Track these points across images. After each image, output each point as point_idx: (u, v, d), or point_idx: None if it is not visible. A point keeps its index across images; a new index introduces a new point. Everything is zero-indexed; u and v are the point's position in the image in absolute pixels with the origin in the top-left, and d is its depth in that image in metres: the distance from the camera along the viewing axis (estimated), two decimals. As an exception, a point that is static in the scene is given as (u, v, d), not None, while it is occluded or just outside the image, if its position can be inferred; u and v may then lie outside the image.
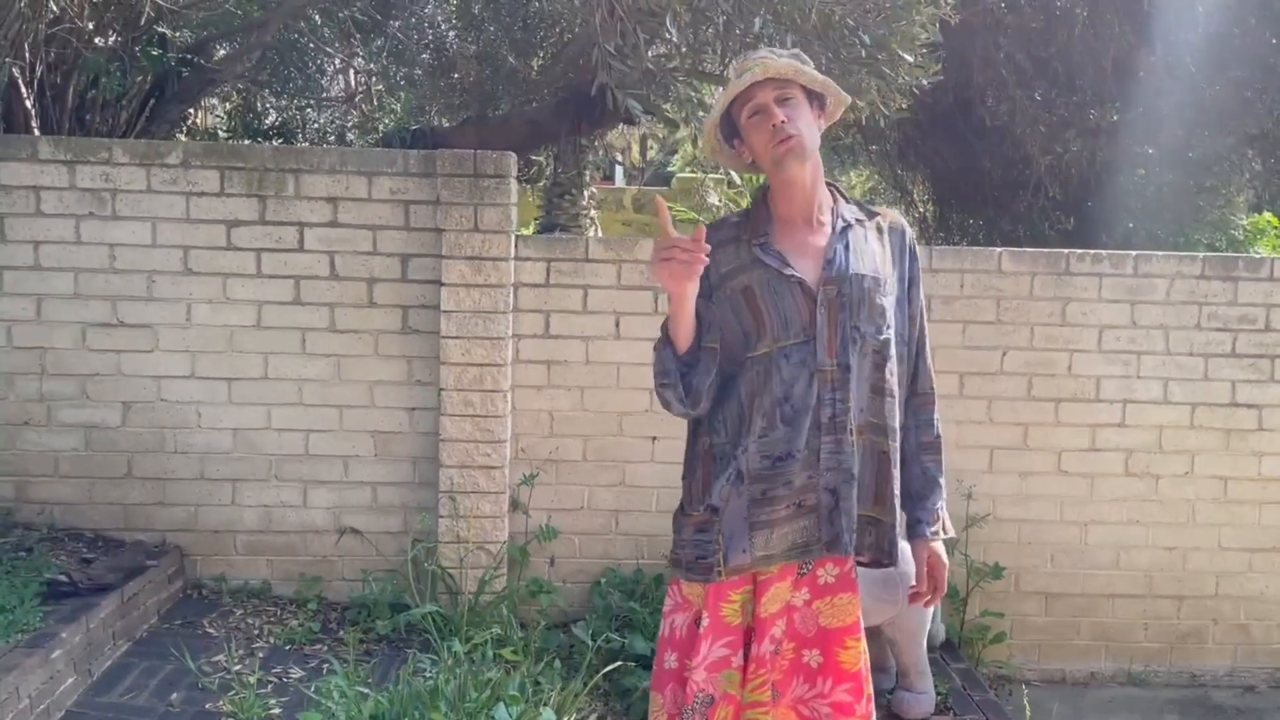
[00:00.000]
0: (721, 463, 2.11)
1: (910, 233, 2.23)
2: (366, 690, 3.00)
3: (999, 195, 7.33)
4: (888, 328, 2.13)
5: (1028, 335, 4.24)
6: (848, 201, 2.20)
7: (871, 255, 2.13)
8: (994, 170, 7.25)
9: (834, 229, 2.12)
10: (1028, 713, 3.49)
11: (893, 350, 2.14)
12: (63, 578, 3.54)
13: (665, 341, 2.07)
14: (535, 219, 10.25)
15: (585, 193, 9.93)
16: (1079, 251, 4.28)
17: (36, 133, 4.81)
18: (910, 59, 3.54)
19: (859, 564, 2.20)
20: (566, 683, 3.28)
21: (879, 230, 2.18)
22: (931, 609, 3.57)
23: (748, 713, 2.16)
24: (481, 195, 3.99)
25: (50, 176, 3.94)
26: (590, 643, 3.59)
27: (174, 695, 3.35)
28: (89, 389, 4.04)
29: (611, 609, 3.98)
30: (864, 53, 3.37)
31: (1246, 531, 4.32)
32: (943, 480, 2.26)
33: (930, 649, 3.74)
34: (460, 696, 2.88)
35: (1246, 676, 4.37)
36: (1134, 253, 4.31)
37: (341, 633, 3.90)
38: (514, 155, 4.09)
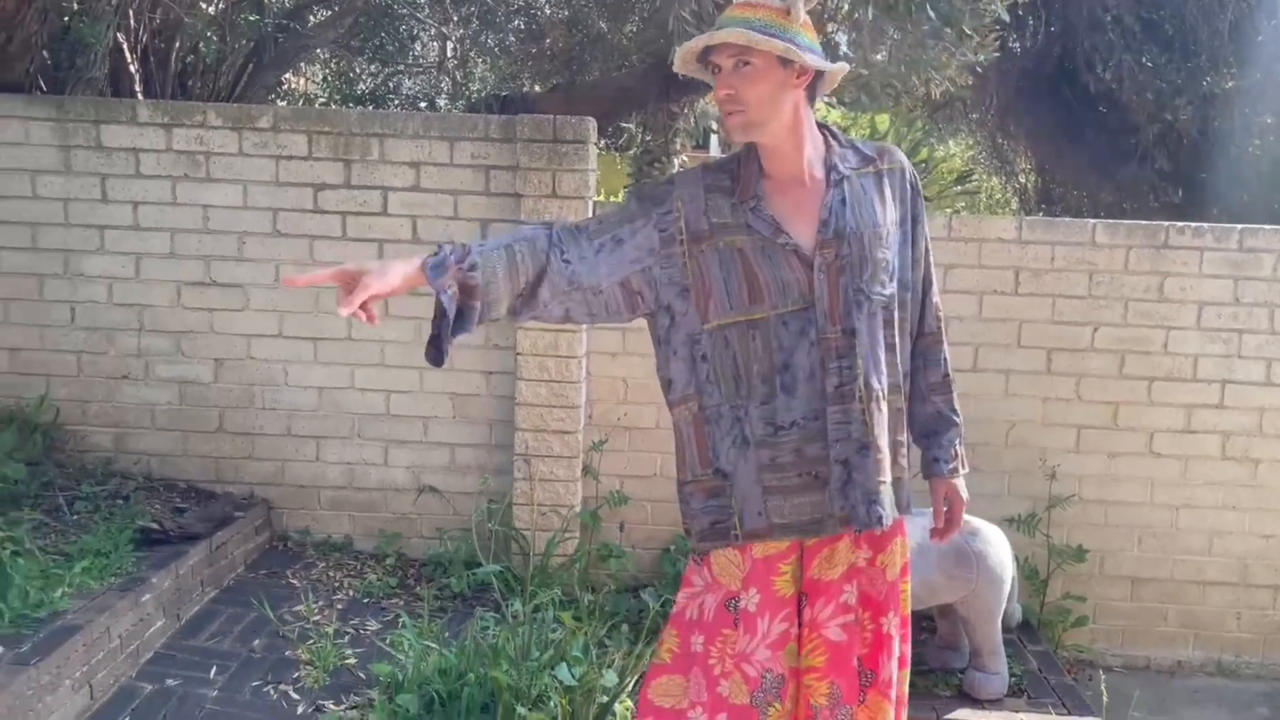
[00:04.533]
0: (718, 425, 2.02)
1: (910, 169, 2.10)
2: (434, 645, 3.07)
3: (1104, 165, 7.04)
4: (892, 281, 2.03)
5: (1121, 311, 4.07)
6: (843, 145, 2.07)
7: (870, 206, 2.01)
8: (1099, 139, 6.96)
9: (828, 183, 2.00)
10: (1105, 699, 3.38)
11: (898, 301, 2.05)
12: (155, 525, 3.70)
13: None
14: (625, 187, 10.24)
15: (675, 160, 9.87)
16: (1179, 224, 4.08)
17: (140, 97, 4.99)
18: (976, 38, 3.41)
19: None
20: (633, 646, 3.30)
21: (878, 176, 2.05)
22: (1007, 587, 3.48)
23: (804, 679, 2.11)
24: (560, 161, 3.99)
25: (149, 139, 4.09)
26: (658, 608, 3.61)
27: (256, 641, 3.49)
28: (183, 345, 4.20)
29: (681, 576, 3.99)
30: (929, 27, 3.25)
31: (1353, 522, 4.10)
32: (958, 418, 2.20)
33: (1006, 630, 3.65)
34: (523, 655, 2.93)
35: (1347, 673, 4.16)
36: (1239, 226, 4.09)
37: (418, 588, 4.00)
38: (593, 121, 4.08)
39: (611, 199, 6.82)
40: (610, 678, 2.93)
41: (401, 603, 3.87)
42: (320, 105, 6.96)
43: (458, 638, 3.27)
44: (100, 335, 4.19)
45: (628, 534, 4.23)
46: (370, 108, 6.78)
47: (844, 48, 3.92)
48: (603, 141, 7.56)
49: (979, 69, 3.87)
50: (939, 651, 3.73)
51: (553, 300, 1.98)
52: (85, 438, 4.24)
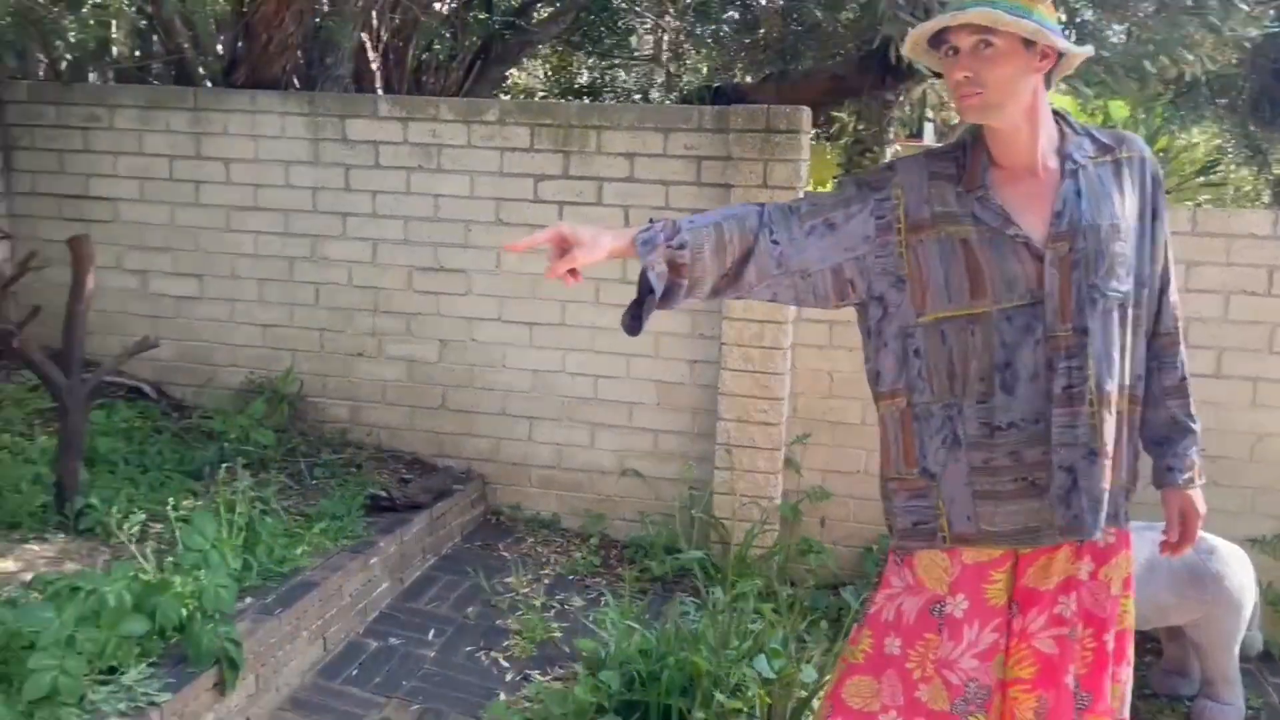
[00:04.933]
0: (928, 423, 1.93)
1: (1152, 158, 1.95)
2: (635, 625, 3.15)
3: (1377, 154, 6.32)
4: (1129, 277, 1.89)
5: (1396, 316, 3.66)
6: (1078, 133, 1.94)
7: (1109, 198, 1.87)
8: (1372, 125, 6.26)
9: (1063, 172, 1.88)
10: (1359, 745, 3.07)
11: (1134, 299, 1.91)
12: (383, 494, 3.96)
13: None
14: (834, 177, 10.07)
15: (888, 149, 9.62)
16: None
17: (379, 92, 5.34)
18: (1245, 8, 3.10)
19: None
20: (831, 644, 3.26)
21: (1116, 165, 1.91)
22: (1246, 612, 3.21)
23: (1011, 690, 2.02)
24: (772, 151, 3.98)
25: (387, 132, 4.37)
26: (858, 607, 3.55)
27: (470, 609, 3.68)
28: (412, 326, 4.48)
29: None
30: (1190, 1, 2.99)
31: None
32: (1196, 425, 2.04)
33: (1243, 658, 3.36)
34: (723, 643, 2.95)
35: None
36: None
37: (620, 569, 4.11)
38: (807, 110, 4.04)
39: (820, 190, 6.72)
40: (809, 673, 2.90)
41: (604, 582, 3.98)
42: (541, 98, 7.21)
43: (657, 620, 3.33)
44: (340, 315, 4.53)
45: (829, 530, 4.18)
46: (587, 100, 6.97)
47: (1091, 25, 3.69)
48: (814, 131, 7.48)
49: (1246, 45, 3.53)
50: (1165, 677, 3.48)
51: (759, 282, 1.96)
52: (325, 409, 4.59)
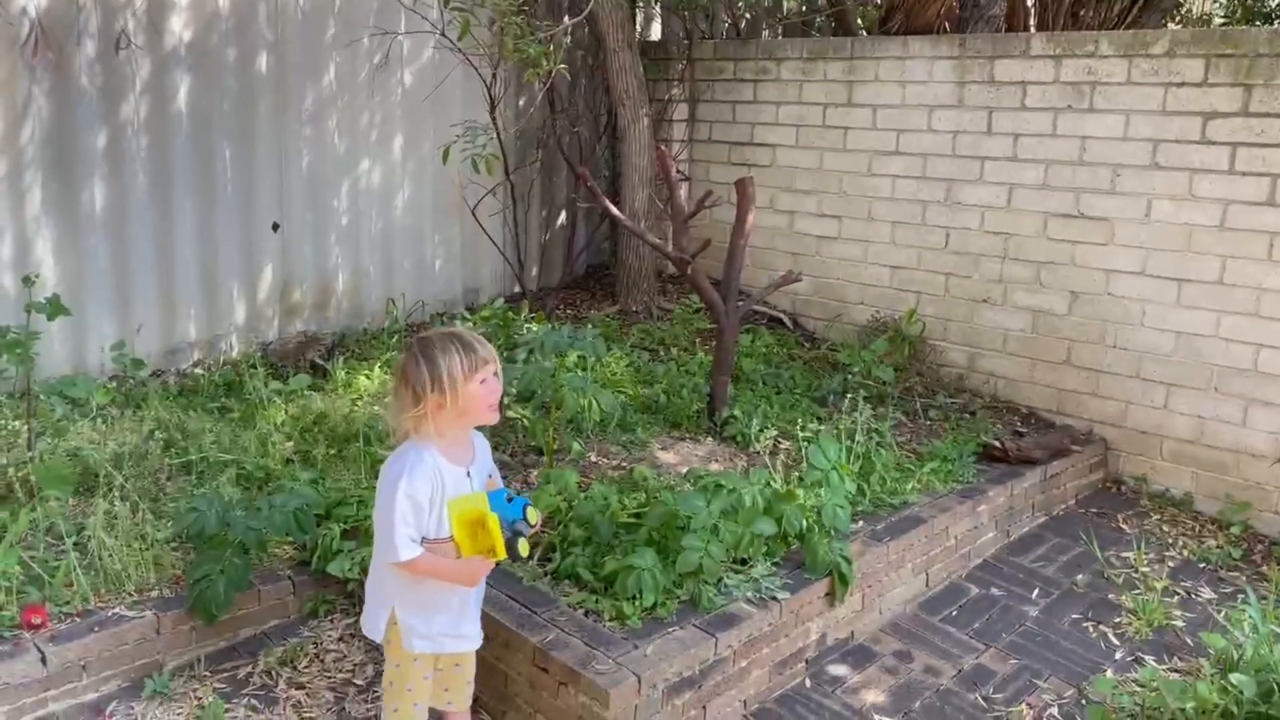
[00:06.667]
0: None
1: None
2: (1281, 632, 2.74)
3: None
4: None
5: None
6: None
7: None
8: None
9: None
10: None
11: None
12: (996, 444, 3.90)
13: None
14: None
15: None
16: None
17: (1032, 30, 5.12)
18: None
19: None
20: None
21: None
22: None
23: None
24: None
25: (1037, 71, 4.19)
26: None
27: (1079, 576, 3.50)
28: (1042, 275, 4.29)
29: None
30: None
31: None
32: None
33: None
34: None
35: None
36: None
37: (1265, 567, 3.59)
38: None
39: None
40: None
41: (1243, 578, 3.51)
42: (1220, 25, 6.33)
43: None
44: (968, 260, 4.50)
45: None
46: None
47: None
48: None
49: None
50: None
51: None
52: (943, 353, 4.64)
